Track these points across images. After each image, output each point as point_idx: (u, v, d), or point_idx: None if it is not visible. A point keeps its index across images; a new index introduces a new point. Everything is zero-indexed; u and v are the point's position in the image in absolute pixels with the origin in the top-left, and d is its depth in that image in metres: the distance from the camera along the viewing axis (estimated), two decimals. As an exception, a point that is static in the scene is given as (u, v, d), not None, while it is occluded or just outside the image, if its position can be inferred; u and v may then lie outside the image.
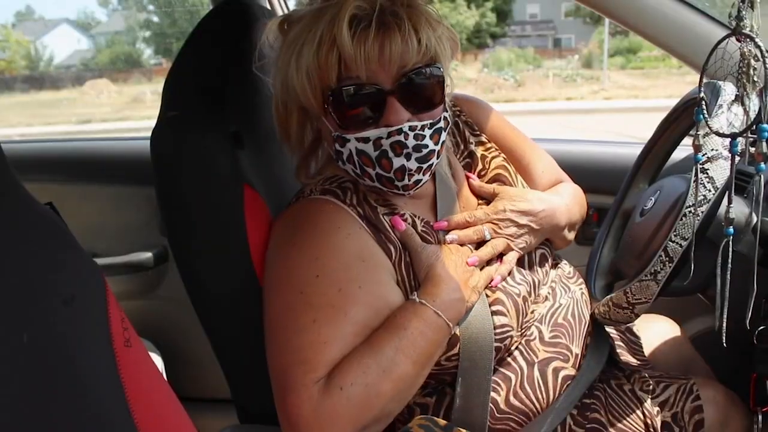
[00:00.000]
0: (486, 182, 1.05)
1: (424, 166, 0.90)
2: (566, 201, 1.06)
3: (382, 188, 0.92)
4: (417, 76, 0.87)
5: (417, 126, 0.88)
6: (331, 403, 0.78)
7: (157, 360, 1.62)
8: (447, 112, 0.93)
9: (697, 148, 0.77)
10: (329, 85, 0.86)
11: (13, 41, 28.31)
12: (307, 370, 0.80)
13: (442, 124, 0.91)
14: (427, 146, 0.89)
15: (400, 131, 0.87)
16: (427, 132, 0.89)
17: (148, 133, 0.96)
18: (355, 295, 0.84)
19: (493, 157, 1.07)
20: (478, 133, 1.09)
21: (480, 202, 1.03)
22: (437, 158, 0.92)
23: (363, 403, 0.79)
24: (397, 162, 0.88)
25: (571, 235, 1.09)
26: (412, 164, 0.88)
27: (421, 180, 0.92)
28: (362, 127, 0.88)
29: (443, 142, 0.92)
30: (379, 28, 0.84)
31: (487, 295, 0.92)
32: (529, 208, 0.99)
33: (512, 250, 0.97)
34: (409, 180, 0.90)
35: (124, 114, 15.42)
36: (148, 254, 1.68)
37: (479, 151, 1.08)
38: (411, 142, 0.87)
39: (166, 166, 0.95)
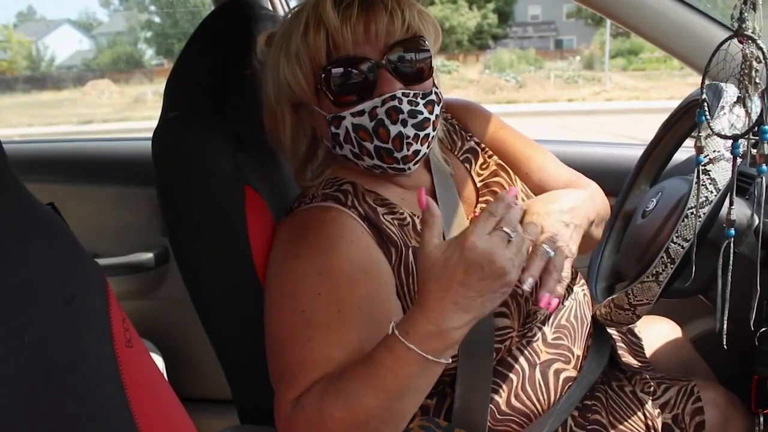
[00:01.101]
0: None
1: (421, 134, 0.90)
2: (591, 193, 1.04)
3: (382, 165, 0.92)
4: (405, 49, 0.89)
5: (410, 93, 0.89)
6: (296, 420, 0.79)
7: (158, 360, 1.62)
8: (437, 88, 0.94)
9: (699, 149, 0.77)
10: (320, 64, 0.88)
11: (14, 41, 28.33)
12: (290, 386, 0.81)
13: (433, 97, 0.92)
14: (422, 113, 0.90)
15: (393, 97, 0.88)
16: (420, 101, 0.90)
17: (150, 134, 0.96)
18: (352, 316, 0.84)
19: (490, 155, 1.08)
20: (471, 135, 1.09)
21: (481, 199, 1.03)
22: (433, 130, 0.92)
23: (319, 425, 0.77)
24: (394, 129, 0.89)
25: (598, 232, 1.05)
26: (409, 131, 0.89)
27: (420, 151, 0.92)
28: (356, 102, 0.89)
29: (437, 115, 0.93)
30: (362, 4, 0.86)
31: None
32: (569, 205, 0.94)
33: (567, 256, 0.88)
34: (408, 150, 0.90)
35: (126, 114, 15.42)
36: (149, 255, 1.68)
37: (477, 148, 1.08)
38: (405, 107, 0.89)
39: (167, 166, 0.95)
